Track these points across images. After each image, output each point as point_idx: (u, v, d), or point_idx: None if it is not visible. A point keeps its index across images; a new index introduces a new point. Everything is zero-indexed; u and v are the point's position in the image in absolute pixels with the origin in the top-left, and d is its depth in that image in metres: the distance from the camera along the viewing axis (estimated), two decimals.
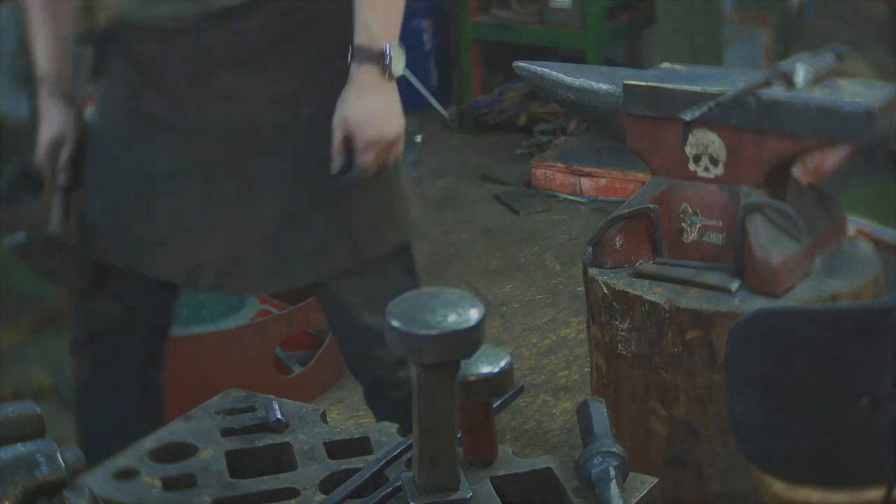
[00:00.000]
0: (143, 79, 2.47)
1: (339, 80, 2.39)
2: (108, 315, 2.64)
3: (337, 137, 2.35)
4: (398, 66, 2.31)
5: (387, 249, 2.54)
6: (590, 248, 2.78)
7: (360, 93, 2.32)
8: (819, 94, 2.57)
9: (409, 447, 1.87)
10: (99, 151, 2.57)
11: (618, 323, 2.68)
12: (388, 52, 2.30)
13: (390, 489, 1.79)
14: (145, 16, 2.43)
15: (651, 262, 2.73)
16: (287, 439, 1.99)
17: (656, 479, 1.83)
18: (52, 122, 2.57)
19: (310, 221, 2.45)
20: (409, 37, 6.51)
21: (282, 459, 1.96)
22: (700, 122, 2.62)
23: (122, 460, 1.94)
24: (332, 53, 2.43)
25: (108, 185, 2.56)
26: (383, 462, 1.87)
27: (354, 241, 2.50)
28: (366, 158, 2.34)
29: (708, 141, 2.67)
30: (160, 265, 2.53)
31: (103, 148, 2.56)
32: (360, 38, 2.32)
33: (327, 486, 1.87)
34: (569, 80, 2.83)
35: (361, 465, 1.89)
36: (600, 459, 1.77)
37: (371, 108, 2.32)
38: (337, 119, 2.34)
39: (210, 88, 2.41)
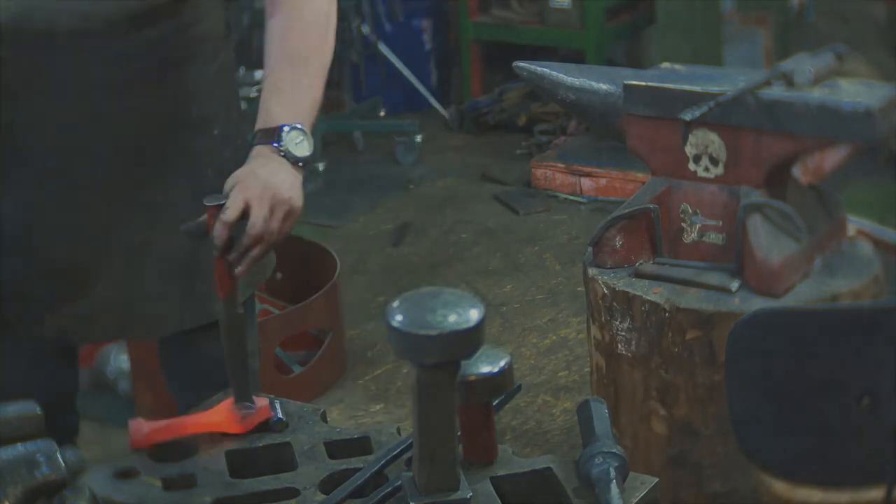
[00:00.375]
0: (23, 96, 2.19)
1: (234, 99, 2.31)
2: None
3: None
4: (298, 149, 2.11)
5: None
6: (590, 248, 2.78)
7: (253, 163, 2.11)
8: (819, 94, 2.57)
9: (409, 447, 1.87)
10: None
11: (618, 323, 2.68)
12: (282, 134, 2.11)
13: (390, 489, 1.79)
14: (41, 14, 2.14)
15: (651, 262, 2.73)
16: (287, 439, 1.99)
17: (656, 479, 1.83)
18: None
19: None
20: (409, 37, 6.55)
21: (282, 459, 1.96)
22: (700, 122, 2.62)
23: (122, 460, 1.94)
24: (225, 73, 2.33)
25: None
26: (383, 462, 1.87)
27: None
28: (231, 197, 2.04)
29: (708, 141, 2.67)
30: (48, 323, 2.29)
31: None
32: (259, 119, 2.15)
33: (327, 485, 1.87)
34: (569, 80, 2.83)
35: (361, 465, 1.89)
36: (601, 459, 1.77)
37: (260, 170, 2.08)
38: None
39: (107, 107, 2.19)
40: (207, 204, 2.04)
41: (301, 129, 2.12)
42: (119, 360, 3.93)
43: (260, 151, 2.12)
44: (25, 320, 2.31)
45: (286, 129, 2.11)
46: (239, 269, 2.04)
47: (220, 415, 2.01)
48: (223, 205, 2.03)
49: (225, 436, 1.99)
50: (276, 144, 2.11)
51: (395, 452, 1.89)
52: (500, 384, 1.83)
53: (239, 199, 2.04)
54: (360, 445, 1.97)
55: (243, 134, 2.31)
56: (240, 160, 2.16)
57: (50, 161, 2.22)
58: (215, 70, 2.32)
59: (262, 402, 2.03)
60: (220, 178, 2.14)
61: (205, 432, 2.00)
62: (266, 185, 2.06)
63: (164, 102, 2.24)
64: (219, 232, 2.02)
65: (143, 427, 1.97)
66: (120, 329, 2.34)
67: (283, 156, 2.10)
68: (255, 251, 2.04)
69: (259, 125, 2.14)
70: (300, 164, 2.12)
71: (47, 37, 2.16)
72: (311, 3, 2.23)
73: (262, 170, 2.08)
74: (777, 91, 2.60)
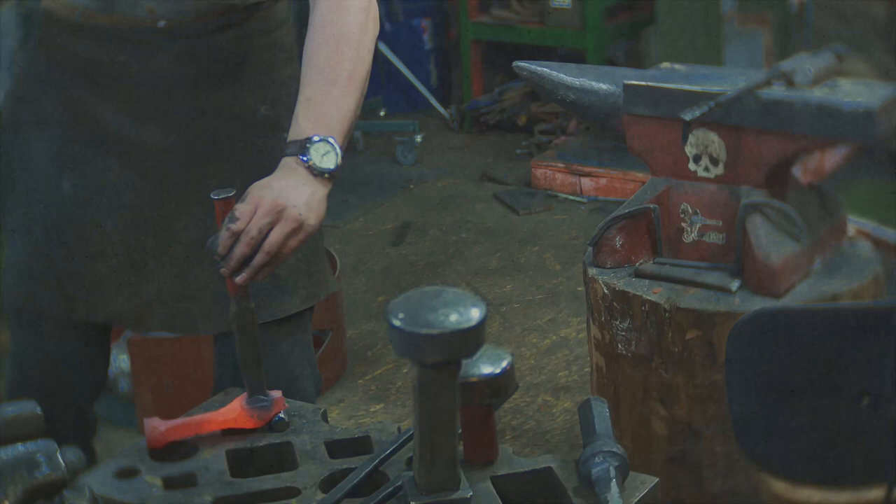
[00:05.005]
0: (93, 90, 2.29)
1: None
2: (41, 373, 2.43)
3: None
4: (324, 161, 2.10)
5: (326, 295, 2.46)
6: (590, 248, 2.78)
7: (274, 175, 2.11)
8: (819, 94, 2.57)
9: (408, 440, 1.88)
10: (20, 183, 2.36)
11: (618, 323, 2.68)
12: (308, 147, 2.10)
13: (391, 489, 1.79)
14: (124, 4, 2.24)
15: (651, 262, 2.73)
16: (288, 439, 1.99)
17: (657, 479, 1.83)
18: None
19: None
20: (409, 37, 6.55)
21: (283, 459, 1.96)
22: (700, 122, 2.62)
23: (123, 459, 1.94)
24: (292, 71, 2.37)
25: (33, 219, 2.35)
26: (383, 456, 1.87)
27: (312, 282, 2.41)
28: (239, 208, 2.04)
29: (708, 141, 2.67)
30: (102, 308, 2.35)
31: (27, 178, 2.35)
32: (290, 132, 2.15)
33: (328, 485, 1.87)
34: (569, 80, 2.83)
35: (362, 465, 1.89)
36: (601, 459, 1.77)
37: (277, 182, 2.08)
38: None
39: (180, 101, 2.28)
40: (215, 197, 2.04)
41: (328, 142, 2.11)
42: (119, 360, 3.93)
43: (286, 163, 2.11)
44: (80, 303, 2.35)
45: (313, 141, 2.11)
46: (240, 278, 2.03)
47: (234, 411, 2.01)
48: (231, 198, 2.04)
49: (226, 435, 1.99)
50: (303, 158, 2.10)
51: (395, 446, 1.89)
52: (502, 385, 1.83)
53: (248, 209, 2.04)
54: (361, 445, 1.97)
55: None
56: None
57: (116, 146, 2.29)
58: (286, 78, 2.36)
59: (276, 394, 2.03)
60: None
61: (218, 430, 2.00)
62: (278, 198, 2.05)
63: (235, 101, 2.32)
64: (224, 239, 2.02)
65: (159, 426, 1.97)
66: (170, 321, 2.36)
67: (308, 168, 2.10)
68: (257, 260, 2.03)
69: (290, 137, 2.14)
70: (325, 175, 2.11)
71: (128, 27, 2.26)
72: (347, 10, 2.22)
73: (279, 182, 2.08)
74: (777, 91, 2.60)
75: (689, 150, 2.69)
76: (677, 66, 2.87)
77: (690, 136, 2.66)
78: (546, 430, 3.64)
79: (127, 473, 1.91)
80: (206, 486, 1.87)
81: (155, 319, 2.36)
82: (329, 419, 2.07)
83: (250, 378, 2.04)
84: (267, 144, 2.30)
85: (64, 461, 1.60)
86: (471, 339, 1.63)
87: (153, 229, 2.33)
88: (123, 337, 3.93)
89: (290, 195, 2.06)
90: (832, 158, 2.71)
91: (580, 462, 1.79)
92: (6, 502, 1.56)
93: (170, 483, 1.89)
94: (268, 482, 1.88)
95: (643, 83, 2.72)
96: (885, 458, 1.91)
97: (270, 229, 2.03)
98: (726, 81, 2.66)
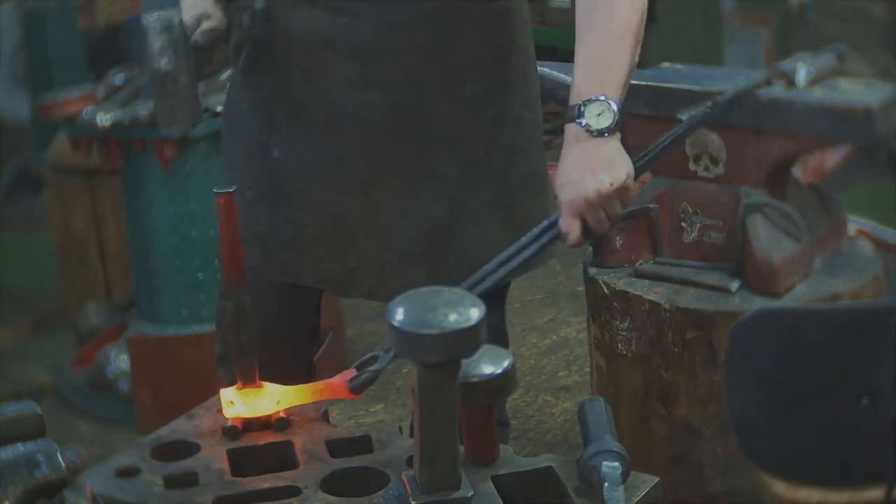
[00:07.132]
0: (303, 52, 2.30)
1: (520, 83, 2.36)
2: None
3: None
4: (600, 121, 2.16)
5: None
6: (590, 248, 2.78)
7: (565, 152, 2.20)
8: (819, 94, 2.57)
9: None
10: (239, 147, 2.41)
11: (618, 323, 2.69)
12: (582, 110, 2.17)
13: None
14: None
15: (651, 262, 2.73)
16: (288, 438, 1.99)
17: (657, 479, 1.83)
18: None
19: (471, 227, 2.33)
20: None
21: (283, 458, 1.96)
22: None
23: (123, 458, 1.94)
24: (516, 56, 2.37)
25: (245, 183, 2.37)
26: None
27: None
28: (564, 221, 2.20)
29: (708, 141, 2.67)
30: (306, 272, 2.38)
31: (244, 144, 2.40)
32: (571, 93, 2.22)
33: (329, 484, 1.87)
34: (569, 80, 2.83)
35: (362, 464, 1.89)
36: (610, 458, 1.77)
37: (568, 170, 2.18)
38: None
39: (388, 71, 2.26)
40: (217, 191, 2.02)
41: (601, 101, 2.17)
42: (119, 360, 3.93)
43: (568, 132, 2.19)
44: (282, 265, 2.38)
45: (584, 104, 2.17)
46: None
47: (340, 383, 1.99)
48: (231, 193, 2.02)
49: (226, 435, 1.99)
50: (579, 122, 2.17)
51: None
52: (503, 385, 1.83)
53: (573, 221, 2.18)
54: (361, 444, 1.97)
55: (529, 118, 2.42)
56: (523, 143, 2.38)
57: (320, 116, 2.31)
58: (498, 49, 2.34)
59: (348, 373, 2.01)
60: (490, 158, 2.32)
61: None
62: (585, 190, 2.14)
63: (437, 75, 2.29)
64: (573, 239, 2.20)
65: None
66: (370, 289, 2.38)
67: (588, 131, 2.17)
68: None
69: (570, 100, 2.21)
70: (605, 134, 2.17)
71: None
72: None
73: (573, 170, 2.16)
74: (777, 91, 2.60)
75: (690, 149, 2.69)
76: (677, 66, 2.87)
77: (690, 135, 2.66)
78: (546, 430, 3.64)
79: (127, 472, 1.90)
80: (207, 486, 1.87)
81: (359, 287, 2.38)
82: (329, 418, 2.07)
83: (242, 367, 2.03)
84: (470, 122, 2.32)
85: (64, 461, 1.60)
86: (470, 339, 1.63)
87: (352, 199, 2.33)
88: (123, 337, 3.93)
89: (588, 178, 2.15)
90: (832, 158, 2.71)
91: (582, 461, 1.79)
92: (6, 502, 1.56)
93: (170, 482, 1.89)
94: (268, 481, 1.88)
95: (643, 83, 2.72)
96: (884, 457, 1.91)
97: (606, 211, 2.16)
98: (726, 81, 2.66)
